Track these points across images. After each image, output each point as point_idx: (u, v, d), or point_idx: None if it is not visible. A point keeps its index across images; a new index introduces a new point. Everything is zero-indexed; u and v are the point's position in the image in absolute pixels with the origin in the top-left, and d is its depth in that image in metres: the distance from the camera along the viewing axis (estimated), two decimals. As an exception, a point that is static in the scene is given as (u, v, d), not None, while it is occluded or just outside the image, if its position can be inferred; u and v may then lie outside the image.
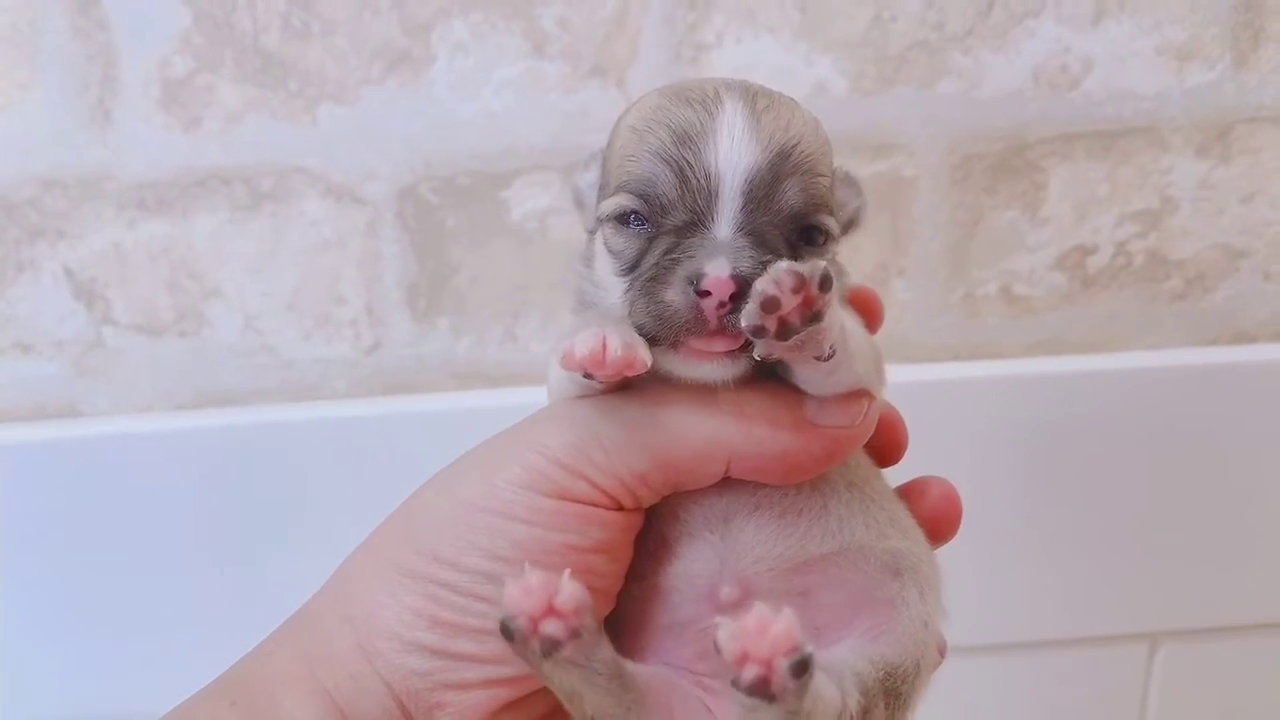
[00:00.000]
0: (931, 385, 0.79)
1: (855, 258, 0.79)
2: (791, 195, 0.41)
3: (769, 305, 0.36)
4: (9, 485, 0.76)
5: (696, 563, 0.44)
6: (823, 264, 0.37)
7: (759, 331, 0.37)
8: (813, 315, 0.37)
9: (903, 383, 0.79)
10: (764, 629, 0.35)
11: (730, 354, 0.41)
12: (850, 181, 0.48)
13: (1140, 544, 0.84)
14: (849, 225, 0.48)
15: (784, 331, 0.37)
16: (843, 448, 0.43)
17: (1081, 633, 0.86)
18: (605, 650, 0.40)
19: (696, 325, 0.40)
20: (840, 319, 0.40)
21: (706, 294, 0.39)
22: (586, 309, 0.46)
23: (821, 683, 0.39)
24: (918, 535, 0.48)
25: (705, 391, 0.42)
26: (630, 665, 0.42)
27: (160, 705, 0.84)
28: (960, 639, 0.85)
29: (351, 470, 0.78)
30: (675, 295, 0.40)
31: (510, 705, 0.44)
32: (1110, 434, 0.80)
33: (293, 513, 0.79)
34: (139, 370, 0.77)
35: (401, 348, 0.78)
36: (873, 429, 0.44)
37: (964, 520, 0.82)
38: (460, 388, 0.79)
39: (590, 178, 0.48)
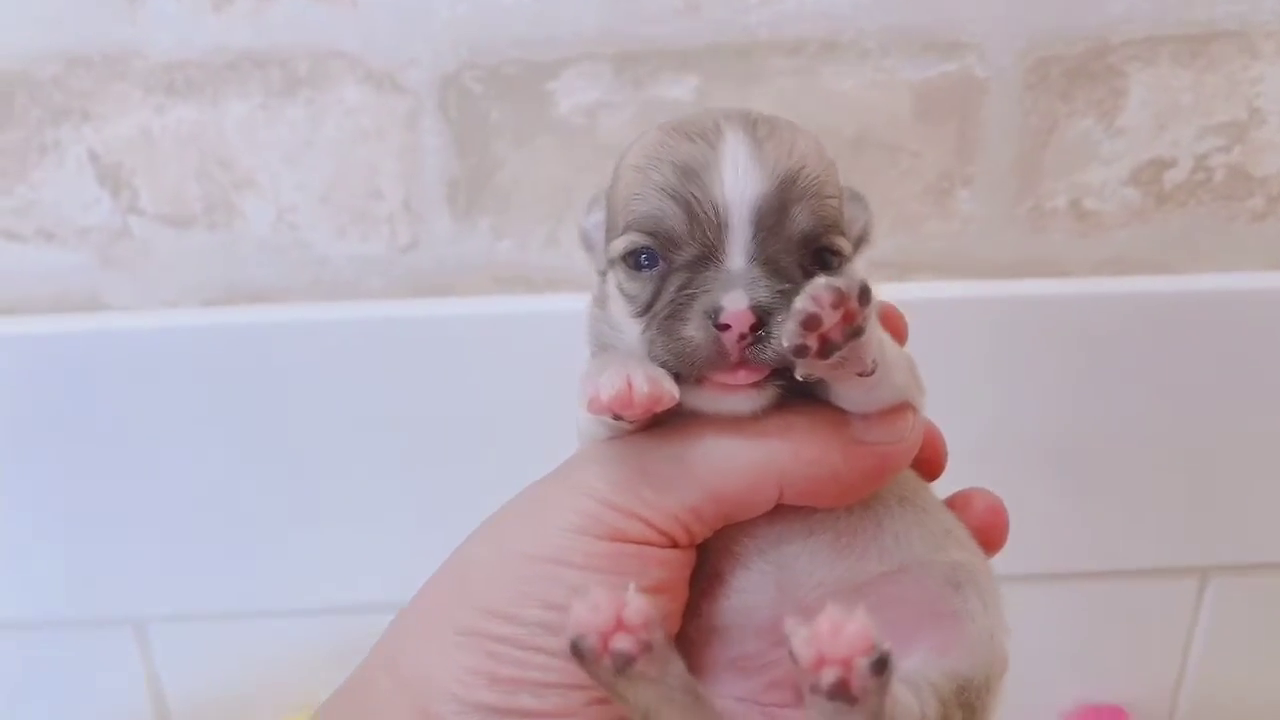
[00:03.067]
0: (993, 302, 0.76)
1: (917, 165, 0.75)
2: (801, 220, 0.41)
3: (810, 323, 0.36)
4: (30, 377, 0.74)
5: (754, 595, 0.43)
6: (860, 277, 0.36)
7: (801, 351, 0.36)
8: (854, 330, 0.36)
9: (962, 299, 0.77)
10: (838, 630, 0.34)
11: (756, 385, 0.40)
12: (856, 198, 0.47)
13: (1197, 476, 0.81)
14: (859, 242, 0.47)
15: (826, 349, 0.36)
16: (893, 463, 0.43)
17: (1131, 565, 0.84)
18: (678, 666, 0.39)
19: (719, 360, 0.39)
20: (879, 332, 0.39)
21: (726, 327, 0.39)
22: (604, 350, 0.46)
23: (899, 690, 0.38)
24: (973, 546, 0.47)
25: (749, 419, 0.42)
26: (704, 688, 0.41)
27: (177, 605, 0.83)
28: (1010, 567, 0.83)
29: (385, 373, 0.75)
30: (694, 331, 0.40)
31: None
32: (1177, 360, 0.77)
33: (322, 416, 0.77)
34: (166, 263, 0.74)
35: (440, 247, 0.74)
36: (920, 442, 0.43)
37: (1019, 443, 0.80)
38: (501, 291, 0.76)
39: (596, 218, 0.48)
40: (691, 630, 0.44)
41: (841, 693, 0.34)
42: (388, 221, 0.74)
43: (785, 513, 0.43)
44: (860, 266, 0.47)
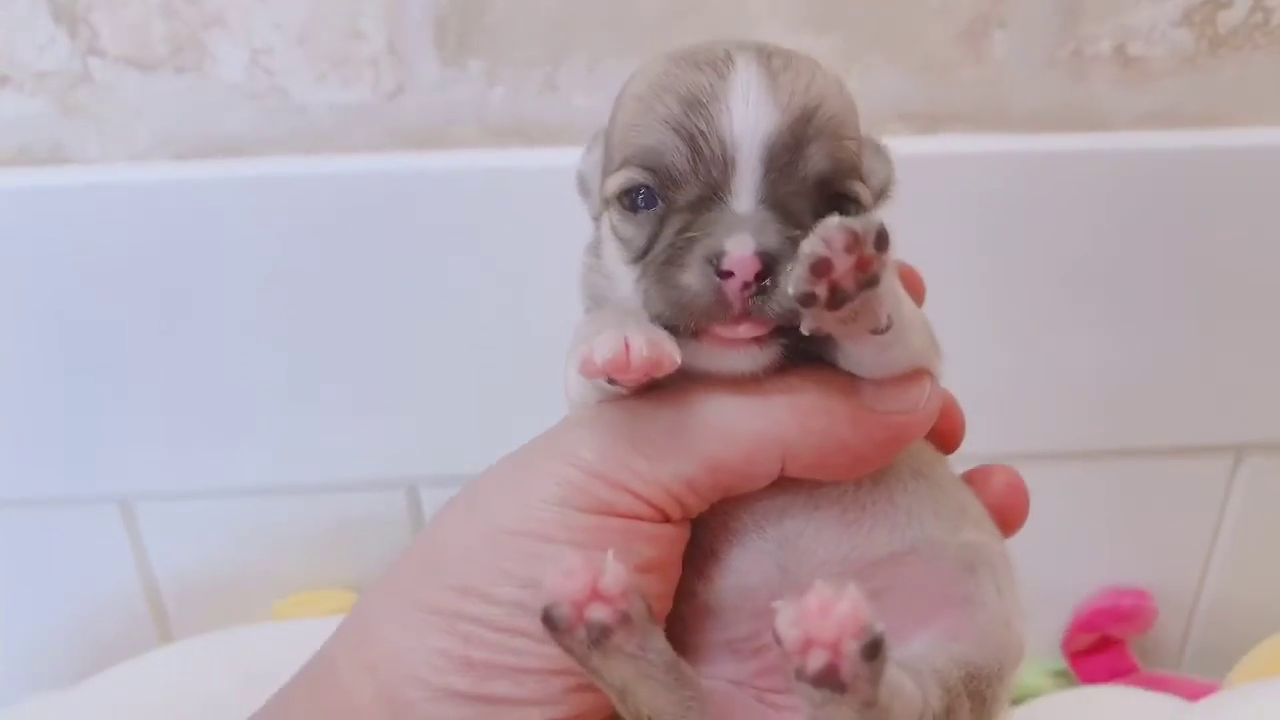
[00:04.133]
0: (1028, 157, 0.70)
1: (949, 5, 0.68)
2: (817, 160, 0.37)
3: (819, 268, 0.32)
4: (-9, 238, 0.69)
5: (752, 575, 0.40)
6: (878, 218, 0.32)
7: (808, 300, 0.33)
8: (868, 279, 0.33)
9: (995, 153, 0.71)
10: (827, 609, 0.31)
11: (759, 341, 0.37)
12: (878, 149, 0.43)
13: (1237, 349, 0.76)
14: (880, 196, 0.43)
15: (836, 299, 0.33)
16: (907, 435, 0.39)
17: (1163, 442, 0.80)
18: (659, 640, 0.36)
19: (719, 311, 0.36)
20: (897, 285, 0.36)
21: (729, 274, 0.35)
22: (597, 304, 0.42)
23: (899, 678, 0.35)
24: (990, 526, 0.44)
25: (751, 385, 0.38)
26: (688, 666, 0.38)
27: (164, 482, 0.80)
28: (1036, 444, 0.78)
29: (367, 230, 0.70)
30: (693, 278, 0.36)
31: None
32: (1225, 222, 0.72)
33: (304, 278, 0.72)
34: (132, 111, 0.69)
35: (427, 93, 0.69)
36: (937, 412, 0.40)
37: (1050, 310, 0.75)
38: (493, 144, 0.70)
39: (594, 159, 0.44)
40: (684, 610, 0.41)
41: (829, 679, 0.31)
42: (371, 65, 0.68)
43: (788, 485, 0.40)
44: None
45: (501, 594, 0.37)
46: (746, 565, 0.40)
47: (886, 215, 0.35)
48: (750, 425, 0.38)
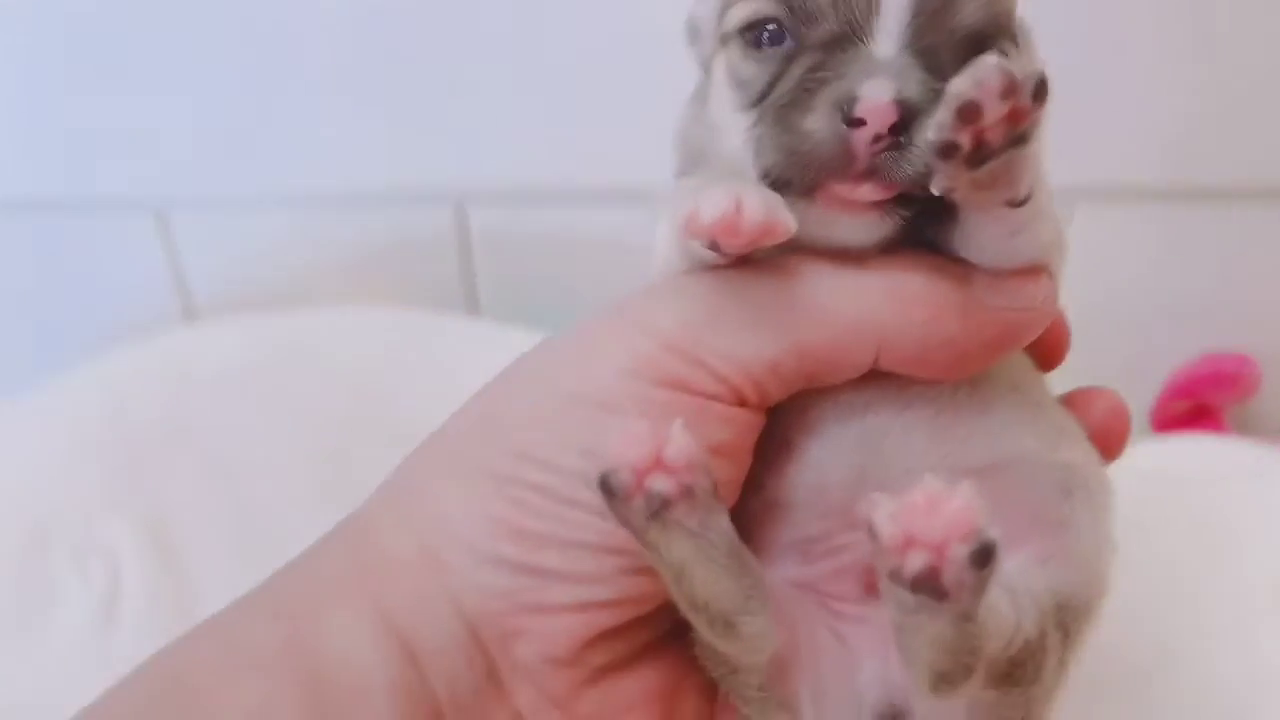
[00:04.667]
0: None
1: None
2: (970, 11, 0.34)
3: (967, 113, 0.29)
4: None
5: (831, 471, 0.38)
6: (1039, 66, 0.29)
7: (948, 150, 0.30)
8: (1019, 135, 0.30)
9: None
10: (936, 506, 0.28)
11: (879, 207, 0.34)
12: (1025, 32, 0.38)
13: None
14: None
15: (979, 153, 0.30)
16: (1019, 335, 0.37)
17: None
18: (723, 521, 0.35)
19: (843, 164, 0.33)
20: (1043, 152, 0.33)
21: (860, 122, 0.32)
22: (696, 165, 0.40)
23: (995, 595, 0.32)
24: (1089, 448, 0.41)
25: (852, 263, 0.36)
26: (752, 555, 0.36)
27: (179, 186, 0.75)
28: (1131, 175, 0.70)
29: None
30: (818, 123, 0.33)
31: (602, 636, 0.37)
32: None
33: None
34: None
35: None
36: (1054, 312, 0.38)
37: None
38: None
39: (709, 3, 0.40)
40: (751, 503, 0.39)
41: (929, 584, 0.28)
42: None
43: (878, 379, 0.37)
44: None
45: (561, 461, 0.36)
46: (824, 461, 0.38)
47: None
48: (846, 309, 0.35)
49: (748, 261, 0.36)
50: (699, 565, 0.34)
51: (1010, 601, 0.35)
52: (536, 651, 0.37)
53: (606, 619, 0.37)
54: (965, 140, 0.30)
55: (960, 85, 0.29)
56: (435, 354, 0.69)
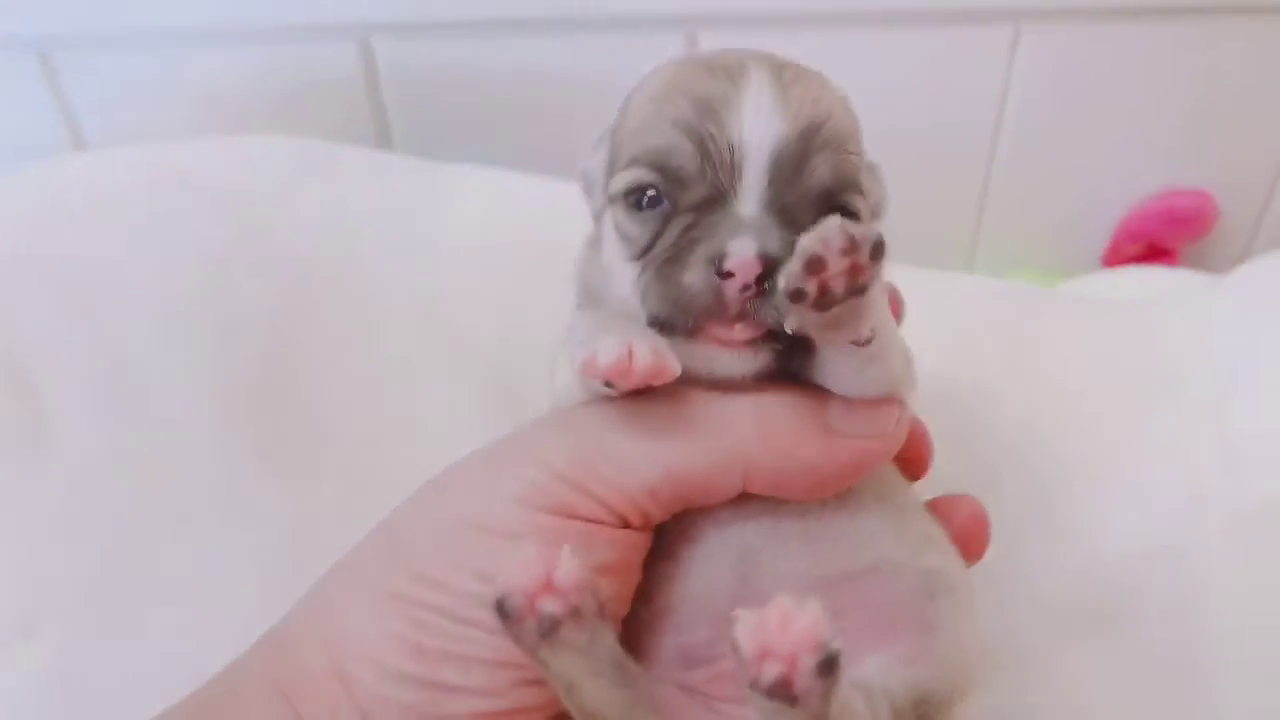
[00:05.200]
0: None
1: None
2: (821, 172, 0.39)
3: (813, 265, 0.33)
4: None
5: (714, 582, 0.41)
6: (878, 229, 0.34)
7: (797, 296, 0.34)
8: (858, 286, 0.34)
9: None
10: (787, 622, 0.32)
11: (752, 343, 0.38)
12: (873, 170, 0.44)
13: None
14: (874, 214, 0.44)
15: (824, 300, 0.34)
16: (871, 460, 0.40)
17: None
18: (609, 638, 0.37)
19: (717, 310, 0.38)
20: (884, 303, 0.38)
21: (729, 275, 0.37)
22: (592, 303, 0.44)
23: (850, 696, 0.37)
24: (952, 553, 0.45)
25: (720, 399, 0.40)
26: (639, 669, 0.39)
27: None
28: None
29: None
30: (695, 277, 0.38)
31: None
32: None
33: None
34: None
35: None
36: (904, 439, 0.41)
37: None
38: None
39: (600, 158, 0.44)
40: (642, 614, 0.42)
41: (782, 691, 0.32)
42: None
43: (752, 498, 0.41)
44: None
45: (458, 584, 0.38)
46: (707, 573, 0.41)
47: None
48: (715, 441, 0.39)
49: (638, 394, 0.39)
50: (587, 679, 0.37)
51: (865, 700, 0.38)
52: None
53: None
54: (811, 288, 0.33)
55: (808, 242, 0.33)
56: (334, 183, 0.64)
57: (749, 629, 0.32)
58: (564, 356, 0.41)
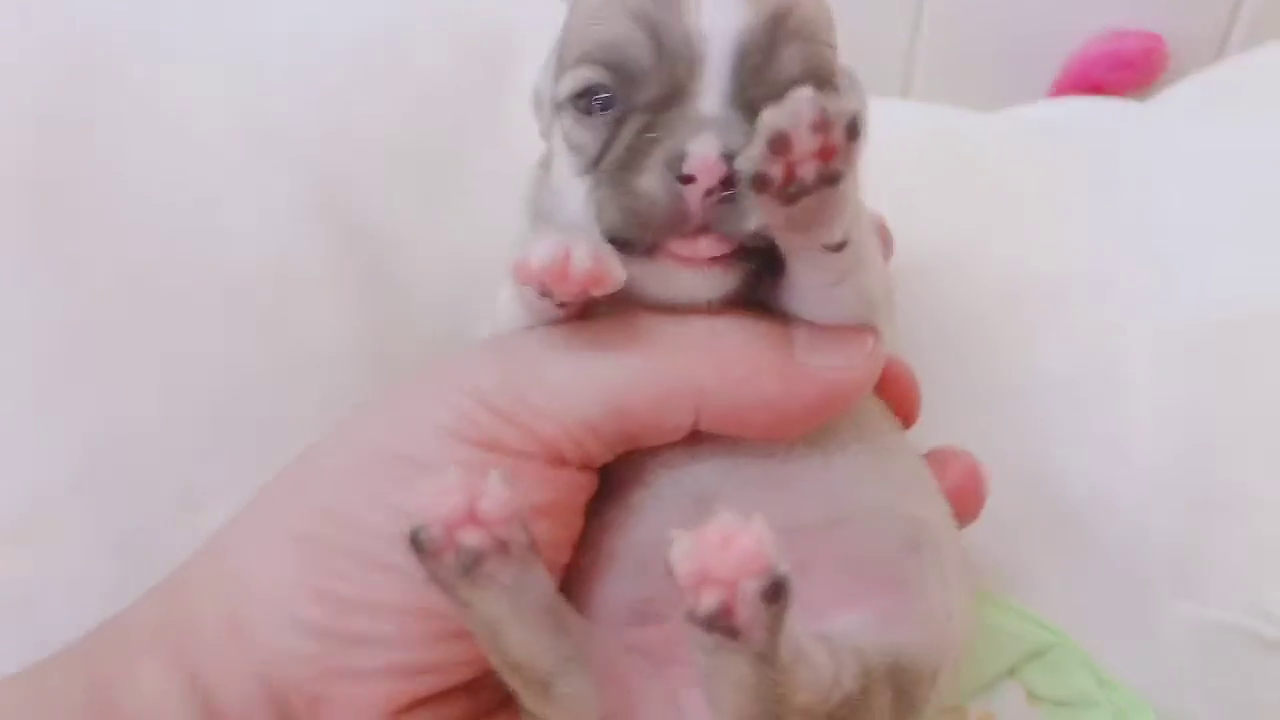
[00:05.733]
0: None
1: None
2: (791, 64, 0.35)
3: (778, 144, 0.29)
4: None
5: (664, 532, 0.35)
6: (855, 105, 0.29)
7: (760, 183, 0.30)
8: (830, 173, 0.30)
9: None
10: (728, 542, 0.28)
11: (719, 261, 0.35)
12: (851, 79, 0.40)
13: None
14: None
15: (791, 187, 0.30)
16: (840, 397, 0.36)
17: None
18: (541, 579, 0.33)
19: (678, 221, 0.34)
20: (860, 201, 0.34)
21: (690, 180, 0.33)
22: (543, 228, 0.39)
23: (811, 646, 0.32)
24: (941, 504, 0.40)
25: (670, 322, 0.36)
26: (578, 618, 0.35)
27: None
28: None
29: None
30: (652, 183, 0.34)
31: (414, 705, 0.36)
32: None
33: None
34: None
35: None
36: (877, 375, 0.37)
37: None
38: None
39: (551, 72, 0.41)
40: (585, 562, 0.38)
41: (722, 622, 0.28)
42: None
43: (708, 438, 0.37)
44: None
45: (370, 521, 0.35)
46: (658, 521, 0.37)
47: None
48: (663, 370, 0.35)
49: (586, 316, 0.36)
50: (513, 624, 0.32)
51: (829, 654, 0.33)
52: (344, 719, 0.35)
53: (418, 686, 0.36)
54: (777, 173, 0.30)
55: (772, 117, 0.29)
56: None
57: (685, 551, 0.28)
58: (506, 284, 0.37)
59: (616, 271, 0.34)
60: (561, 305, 0.36)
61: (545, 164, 0.41)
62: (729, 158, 0.32)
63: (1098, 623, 0.52)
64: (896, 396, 0.42)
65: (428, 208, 0.52)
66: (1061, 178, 0.57)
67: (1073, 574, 0.52)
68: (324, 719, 0.35)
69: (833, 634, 0.34)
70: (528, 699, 0.34)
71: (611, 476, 0.38)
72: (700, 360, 0.36)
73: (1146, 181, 0.55)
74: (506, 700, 0.37)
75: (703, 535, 0.28)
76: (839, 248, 0.33)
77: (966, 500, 0.42)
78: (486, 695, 0.38)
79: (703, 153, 0.33)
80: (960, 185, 0.56)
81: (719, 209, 0.33)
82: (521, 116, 0.46)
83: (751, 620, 0.28)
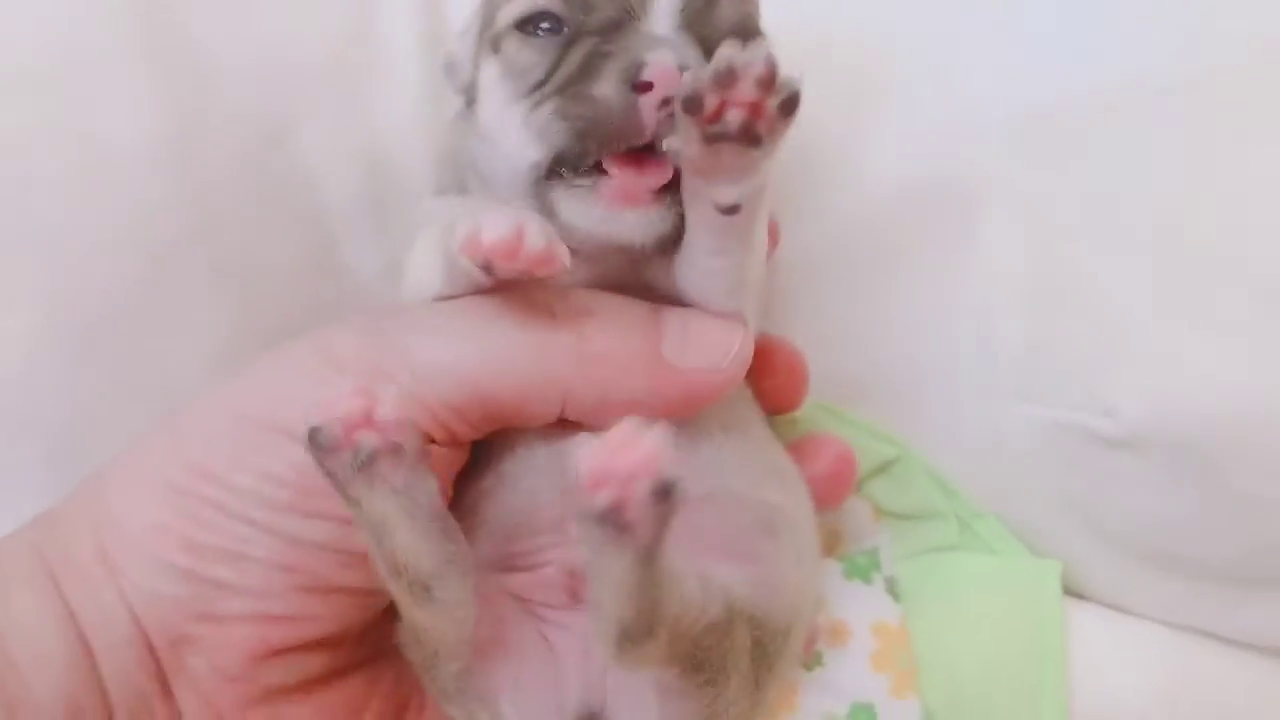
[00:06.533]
0: None
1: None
2: (729, 12, 0.38)
3: (723, 78, 0.31)
4: None
5: (540, 493, 0.40)
6: (799, 80, 0.32)
7: (693, 106, 0.32)
8: (753, 132, 0.32)
9: None
10: (628, 445, 0.30)
11: (659, 197, 0.36)
12: (765, 39, 0.41)
13: None
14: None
15: (715, 125, 0.32)
16: (703, 397, 0.38)
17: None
18: (429, 483, 0.35)
19: (632, 130, 0.35)
20: (768, 186, 0.35)
21: (648, 87, 0.34)
22: (456, 188, 0.42)
23: (684, 574, 0.35)
24: (800, 492, 0.44)
25: (544, 313, 0.37)
26: (461, 537, 0.37)
27: None
28: None
29: None
30: (608, 90, 0.35)
31: (275, 654, 0.38)
32: None
33: None
34: None
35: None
36: (742, 372, 0.39)
37: None
38: None
39: (469, 39, 0.42)
40: (466, 524, 0.39)
41: (614, 516, 0.30)
42: None
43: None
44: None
45: (239, 481, 0.37)
46: (535, 487, 0.40)
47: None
48: (530, 363, 0.37)
49: (501, 289, 0.37)
50: (401, 524, 0.35)
51: (700, 584, 0.36)
52: (206, 661, 0.37)
53: (279, 635, 0.38)
54: (711, 103, 0.31)
55: (730, 51, 0.31)
56: None
57: (589, 453, 0.30)
58: (422, 243, 0.38)
59: (564, 255, 0.35)
60: (494, 279, 0.36)
61: (464, 116, 0.42)
62: (685, 70, 0.34)
63: (942, 433, 0.52)
64: (785, 384, 0.45)
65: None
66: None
67: (915, 385, 0.51)
68: (185, 660, 0.37)
69: (703, 572, 0.37)
70: (407, 604, 0.36)
71: (486, 443, 0.39)
72: (567, 362, 0.38)
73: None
74: (366, 659, 0.41)
75: (607, 438, 0.30)
76: (731, 210, 0.34)
77: (838, 483, 0.46)
78: (346, 652, 0.40)
79: (661, 61, 0.34)
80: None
81: (668, 124, 0.34)
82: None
83: (640, 516, 0.30)
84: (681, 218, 0.36)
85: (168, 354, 0.47)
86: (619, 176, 0.36)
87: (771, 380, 0.45)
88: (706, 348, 0.38)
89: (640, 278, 0.39)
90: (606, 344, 0.37)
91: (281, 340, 0.42)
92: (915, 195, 0.50)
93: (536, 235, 0.34)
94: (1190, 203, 0.44)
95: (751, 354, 0.39)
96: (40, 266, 0.45)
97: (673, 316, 0.38)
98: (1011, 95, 0.49)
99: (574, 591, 0.39)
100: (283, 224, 0.49)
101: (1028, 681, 0.48)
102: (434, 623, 0.36)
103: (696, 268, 0.38)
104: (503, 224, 0.34)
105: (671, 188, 0.36)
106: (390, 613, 0.38)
